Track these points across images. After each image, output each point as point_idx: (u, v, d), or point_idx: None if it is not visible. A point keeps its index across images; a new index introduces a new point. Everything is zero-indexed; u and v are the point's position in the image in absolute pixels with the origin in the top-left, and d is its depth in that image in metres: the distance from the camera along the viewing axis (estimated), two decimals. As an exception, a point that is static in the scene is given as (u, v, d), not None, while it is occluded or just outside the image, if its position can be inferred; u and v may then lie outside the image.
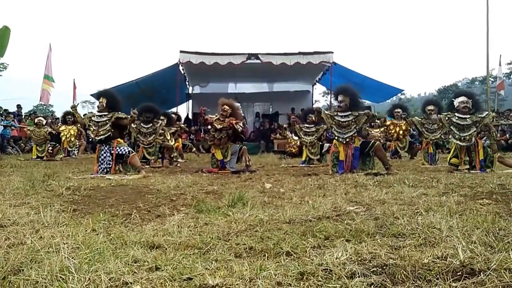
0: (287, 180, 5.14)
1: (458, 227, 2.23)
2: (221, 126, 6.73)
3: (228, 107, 6.89)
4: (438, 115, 6.60)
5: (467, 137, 6.12)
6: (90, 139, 7.15)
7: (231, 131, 6.77)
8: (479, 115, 6.16)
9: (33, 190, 4.07)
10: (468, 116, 6.16)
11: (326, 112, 6.45)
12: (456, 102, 6.28)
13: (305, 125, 9.03)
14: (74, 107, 7.31)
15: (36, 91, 18.44)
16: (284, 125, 12.05)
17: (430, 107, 8.24)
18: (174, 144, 9.69)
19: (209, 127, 6.86)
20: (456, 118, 6.21)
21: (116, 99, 6.64)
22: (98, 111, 6.53)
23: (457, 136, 6.21)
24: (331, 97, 17.74)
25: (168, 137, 9.50)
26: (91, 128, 6.47)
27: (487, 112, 6.35)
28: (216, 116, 6.87)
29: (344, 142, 6.12)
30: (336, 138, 6.26)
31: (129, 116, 6.41)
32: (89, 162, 8.87)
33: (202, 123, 7.26)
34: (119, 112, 6.45)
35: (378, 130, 11.28)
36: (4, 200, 3.36)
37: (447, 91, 50.92)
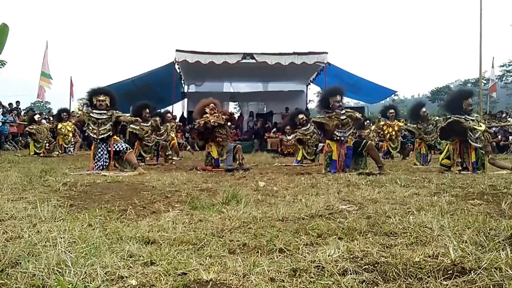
0: (280, 179, 5.16)
1: (449, 227, 2.26)
2: (223, 122, 6.83)
3: (213, 104, 7.00)
4: (441, 117, 6.56)
5: (480, 137, 6.01)
6: (86, 134, 7.01)
7: (228, 122, 7.01)
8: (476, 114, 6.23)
9: (30, 185, 4.09)
10: (476, 115, 6.17)
11: (327, 115, 6.32)
12: (465, 104, 6.12)
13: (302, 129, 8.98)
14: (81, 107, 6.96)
15: (33, 88, 18.39)
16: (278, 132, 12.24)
17: (424, 109, 8.34)
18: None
19: (214, 127, 6.81)
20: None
21: (116, 97, 6.63)
22: (99, 109, 6.38)
23: (472, 138, 6.02)
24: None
25: (173, 135, 9.69)
26: (90, 127, 6.33)
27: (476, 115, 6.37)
28: (207, 117, 6.83)
29: (345, 140, 6.13)
30: (336, 138, 6.19)
31: (126, 114, 6.36)
32: (85, 158, 8.84)
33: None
34: (117, 111, 6.43)
35: (368, 130, 11.33)
36: (2, 195, 3.37)
37: (439, 93, 51.21)
